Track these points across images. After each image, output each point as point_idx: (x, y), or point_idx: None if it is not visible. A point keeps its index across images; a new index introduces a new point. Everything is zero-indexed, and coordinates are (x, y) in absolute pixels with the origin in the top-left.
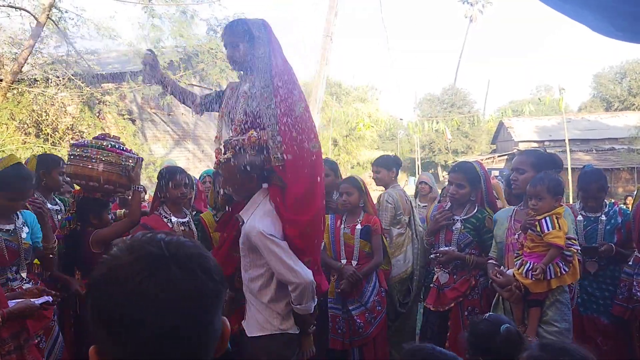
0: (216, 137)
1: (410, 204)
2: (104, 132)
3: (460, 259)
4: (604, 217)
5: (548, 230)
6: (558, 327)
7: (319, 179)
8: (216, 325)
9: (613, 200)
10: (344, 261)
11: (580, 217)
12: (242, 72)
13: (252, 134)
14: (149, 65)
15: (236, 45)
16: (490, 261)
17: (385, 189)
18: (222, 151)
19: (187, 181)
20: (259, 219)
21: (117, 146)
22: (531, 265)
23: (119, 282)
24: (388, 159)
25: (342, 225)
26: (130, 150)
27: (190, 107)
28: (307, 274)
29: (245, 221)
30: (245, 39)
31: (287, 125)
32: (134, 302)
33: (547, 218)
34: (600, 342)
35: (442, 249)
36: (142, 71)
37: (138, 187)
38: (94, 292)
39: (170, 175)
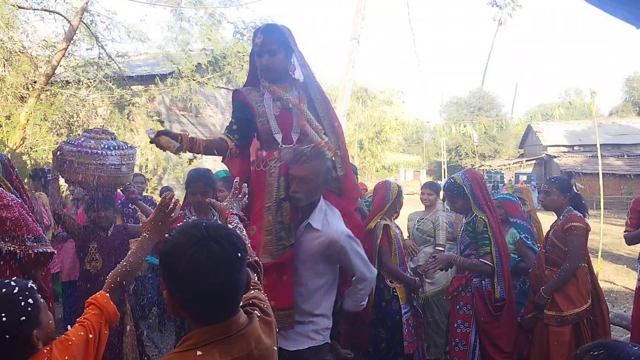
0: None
1: None
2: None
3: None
4: None
5: None
6: None
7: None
8: (242, 278)
9: None
10: (410, 264)
11: None
12: (273, 80)
13: (326, 140)
14: (159, 141)
15: (275, 53)
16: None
17: (432, 209)
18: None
19: (206, 189)
20: (338, 223)
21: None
22: None
23: (177, 254)
24: (438, 185)
25: (399, 232)
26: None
27: (226, 154)
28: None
29: (319, 228)
30: (284, 47)
31: (342, 137)
32: (188, 268)
33: None
34: None
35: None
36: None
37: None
38: (163, 260)
39: (189, 182)
